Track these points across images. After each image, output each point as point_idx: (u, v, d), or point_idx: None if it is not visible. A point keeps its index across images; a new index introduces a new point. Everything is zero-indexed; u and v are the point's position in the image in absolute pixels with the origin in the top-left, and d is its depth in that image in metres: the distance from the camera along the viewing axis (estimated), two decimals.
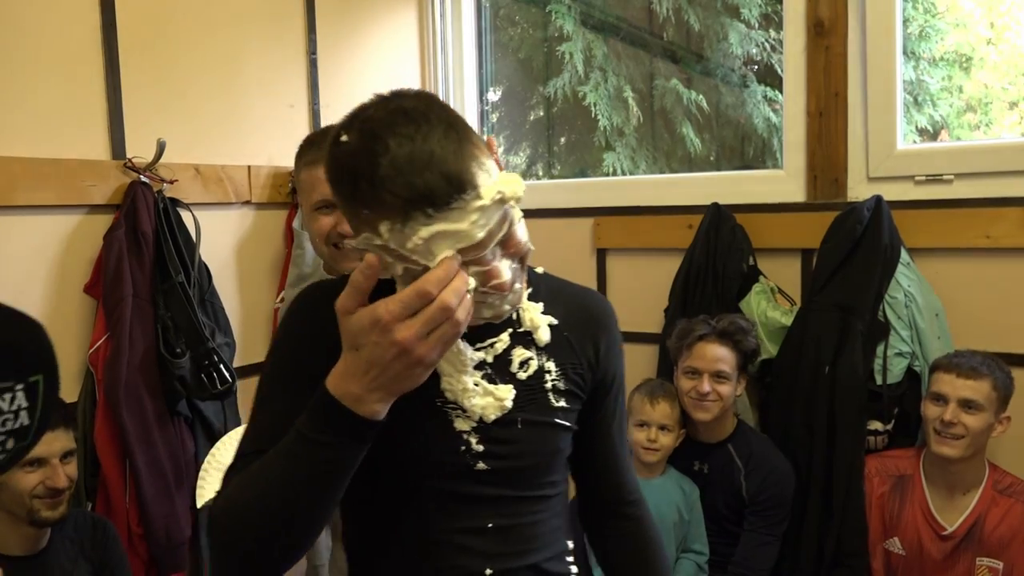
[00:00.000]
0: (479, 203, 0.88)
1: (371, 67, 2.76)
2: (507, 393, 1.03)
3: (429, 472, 1.04)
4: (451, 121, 0.90)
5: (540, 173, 3.64)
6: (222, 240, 2.29)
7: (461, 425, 1.03)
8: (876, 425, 2.07)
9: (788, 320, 2.24)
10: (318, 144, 1.67)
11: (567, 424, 1.10)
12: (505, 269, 0.93)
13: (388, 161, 0.86)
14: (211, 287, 2.15)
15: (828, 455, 2.09)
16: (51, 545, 1.65)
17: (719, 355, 2.07)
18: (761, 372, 2.31)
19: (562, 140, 3.84)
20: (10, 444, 0.58)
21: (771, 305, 2.28)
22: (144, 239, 1.96)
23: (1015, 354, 2.05)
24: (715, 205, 2.37)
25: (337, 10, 2.61)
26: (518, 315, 1.08)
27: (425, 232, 0.87)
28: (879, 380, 2.06)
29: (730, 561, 2.04)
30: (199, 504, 1.67)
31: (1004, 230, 2.06)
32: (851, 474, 2.05)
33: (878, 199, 2.13)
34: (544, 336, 1.08)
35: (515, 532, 1.08)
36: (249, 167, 2.32)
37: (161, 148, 2.02)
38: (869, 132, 2.26)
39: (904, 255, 2.11)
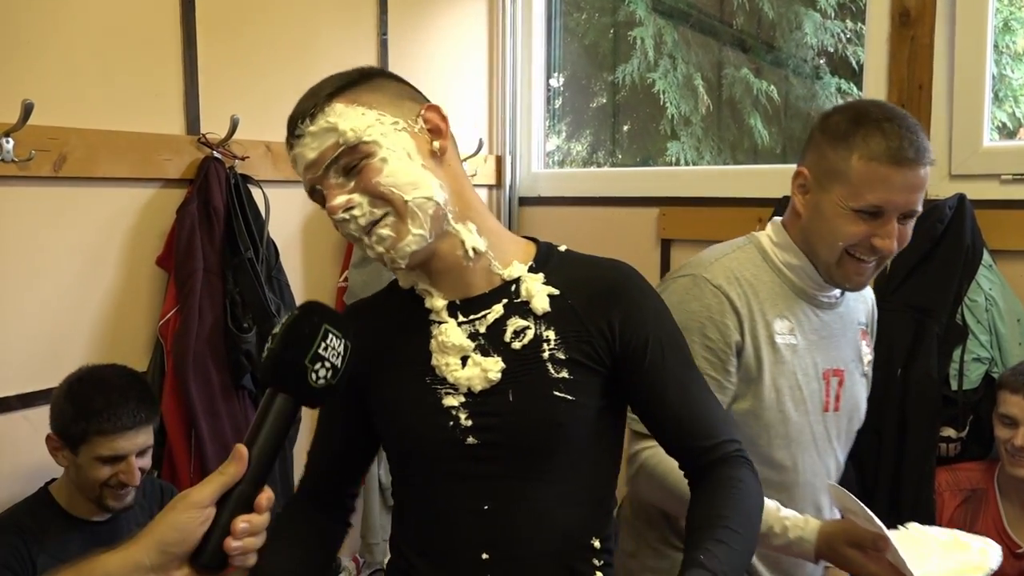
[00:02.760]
0: (310, 128, 1.01)
1: (441, 49, 2.75)
2: (493, 365, 1.04)
3: (424, 450, 1.08)
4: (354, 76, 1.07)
5: (601, 160, 3.60)
6: (289, 218, 2.31)
7: (450, 401, 1.05)
8: (949, 432, 2.00)
9: None
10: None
11: (570, 398, 1.03)
12: (342, 198, 1.00)
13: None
14: (278, 264, 2.17)
15: (897, 460, 2.03)
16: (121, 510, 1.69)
17: None
18: None
19: (625, 128, 3.79)
20: (328, 375, 0.88)
21: None
22: (215, 214, 1.99)
23: None
24: (787, 198, 2.30)
25: None
26: (516, 286, 1.07)
27: (291, 155, 1.05)
28: (954, 385, 1.99)
29: None
30: None
31: None
32: (921, 481, 1.99)
33: (961, 197, 2.05)
34: (541, 304, 1.05)
35: (514, 517, 1.05)
36: None
37: (234, 125, 2.04)
38: (954, 127, 2.17)
39: (986, 256, 2.03)
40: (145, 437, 1.65)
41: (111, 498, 1.62)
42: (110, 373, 1.68)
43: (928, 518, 1.96)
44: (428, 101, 1.08)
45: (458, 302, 1.07)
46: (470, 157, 2.82)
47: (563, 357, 1.04)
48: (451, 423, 1.04)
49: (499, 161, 2.99)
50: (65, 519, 1.63)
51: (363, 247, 1.04)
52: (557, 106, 3.37)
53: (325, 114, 1.01)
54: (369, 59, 2.50)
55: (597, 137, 3.72)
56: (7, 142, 1.67)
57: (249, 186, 2.10)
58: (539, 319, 1.05)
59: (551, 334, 1.05)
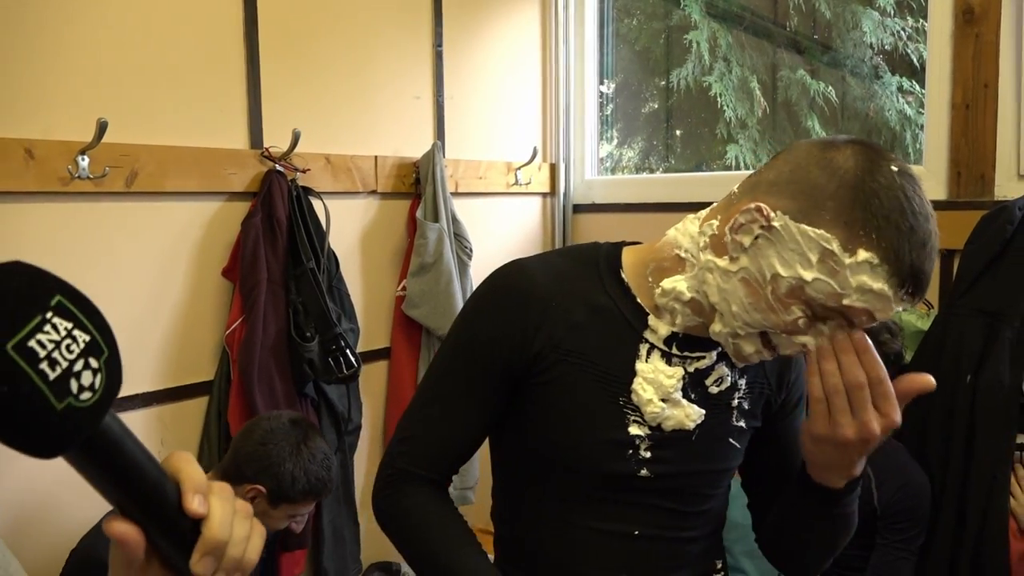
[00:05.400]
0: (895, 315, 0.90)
1: (494, 59, 2.77)
2: (696, 415, 1.02)
3: (590, 468, 1.02)
4: None
5: (653, 166, 3.58)
6: (349, 228, 2.35)
7: (636, 430, 1.01)
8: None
9: (924, 324, 2.12)
10: None
11: (738, 446, 1.07)
12: (813, 347, 0.91)
13: (921, 211, 0.86)
14: (338, 273, 2.21)
15: (965, 469, 1.97)
16: None
17: None
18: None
19: (677, 133, 3.76)
20: (94, 363, 0.49)
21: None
22: (279, 226, 2.04)
23: None
24: None
25: (463, 3, 2.63)
26: None
27: (877, 285, 0.85)
28: None
29: (862, 575, 1.95)
30: None
31: None
32: (991, 492, 1.93)
33: None
34: None
35: (660, 544, 1.05)
36: (376, 157, 2.38)
37: (296, 138, 2.08)
38: (1022, 126, 2.11)
39: None
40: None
41: None
42: (316, 439, 1.72)
43: (999, 529, 1.90)
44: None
45: (680, 335, 1.02)
46: (524, 166, 2.84)
47: (746, 407, 1.07)
48: (630, 451, 1.01)
49: (553, 169, 3.00)
50: None
51: (746, 338, 0.94)
52: (608, 113, 3.37)
53: None
54: (425, 71, 2.53)
55: (649, 143, 3.70)
56: (83, 160, 1.74)
57: (310, 198, 2.14)
58: (735, 368, 1.06)
59: (743, 383, 1.07)
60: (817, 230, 0.86)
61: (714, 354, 1.04)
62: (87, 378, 0.47)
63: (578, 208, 3.02)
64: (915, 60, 3.20)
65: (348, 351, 2.09)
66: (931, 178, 2.25)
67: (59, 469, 1.58)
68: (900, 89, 3.31)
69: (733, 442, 1.06)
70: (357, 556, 2.31)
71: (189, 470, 0.56)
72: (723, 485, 1.10)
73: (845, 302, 0.86)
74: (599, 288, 1.04)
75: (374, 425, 2.45)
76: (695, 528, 1.07)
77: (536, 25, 2.94)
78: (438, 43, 2.56)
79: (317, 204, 2.16)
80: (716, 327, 0.96)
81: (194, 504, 0.54)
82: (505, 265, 1.07)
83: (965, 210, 2.14)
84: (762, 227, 0.90)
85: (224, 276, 2.06)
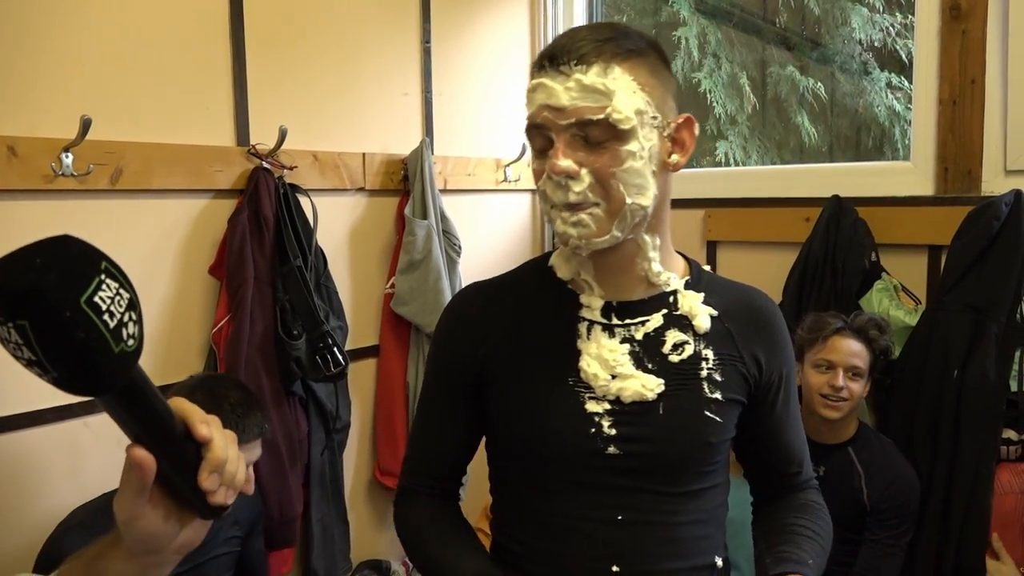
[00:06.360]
0: (581, 77, 0.93)
1: (482, 55, 2.76)
2: (654, 385, 1.01)
3: (556, 453, 1.02)
4: (636, 37, 0.99)
5: None
6: (336, 225, 2.34)
7: (593, 407, 1.01)
8: (1010, 434, 1.94)
9: (912, 320, 2.13)
10: None
11: (719, 420, 1.03)
12: (568, 163, 0.95)
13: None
14: (326, 271, 2.20)
15: (951, 464, 1.98)
16: None
17: (855, 350, 1.98)
18: (881, 373, 2.21)
19: None
20: (134, 316, 0.59)
21: (894, 304, 2.18)
22: (265, 223, 2.02)
23: None
24: (836, 198, 2.27)
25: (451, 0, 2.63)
26: (674, 299, 1.06)
27: (533, 82, 0.99)
28: (1015, 387, 1.93)
29: (850, 570, 1.96)
30: None
31: None
32: (976, 485, 1.94)
33: (1018, 193, 2.00)
34: (703, 324, 1.05)
35: (648, 530, 1.02)
36: (364, 154, 2.37)
37: (283, 135, 2.07)
38: (1009, 122, 2.11)
39: None
40: (259, 449, 1.69)
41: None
42: (226, 385, 1.67)
43: (982, 522, 1.91)
44: (682, 110, 1.04)
45: (615, 304, 1.05)
46: (513, 162, 2.83)
47: (719, 379, 1.04)
48: (592, 430, 1.01)
49: None
50: None
51: (552, 216, 0.99)
52: None
53: (602, 71, 0.93)
54: (413, 68, 2.53)
55: None
56: (67, 157, 1.73)
57: (297, 195, 2.13)
58: (698, 337, 1.05)
59: (709, 353, 1.05)
60: None
61: (659, 316, 1.05)
62: (131, 328, 0.58)
63: None
64: (904, 56, 3.21)
65: (336, 349, 2.09)
66: (918, 174, 2.26)
67: (27, 458, 1.55)
68: (889, 85, 3.32)
69: (711, 415, 1.02)
70: (347, 554, 2.30)
71: (189, 407, 0.68)
72: (710, 464, 1.05)
73: (528, 117, 1.01)
74: (535, 286, 1.10)
75: (363, 423, 2.45)
76: (685, 513, 1.04)
77: (525, 21, 2.93)
78: (426, 39, 2.55)
79: (304, 201, 2.15)
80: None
81: (203, 430, 0.67)
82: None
83: (952, 206, 2.14)
84: None
85: (210, 274, 2.05)
